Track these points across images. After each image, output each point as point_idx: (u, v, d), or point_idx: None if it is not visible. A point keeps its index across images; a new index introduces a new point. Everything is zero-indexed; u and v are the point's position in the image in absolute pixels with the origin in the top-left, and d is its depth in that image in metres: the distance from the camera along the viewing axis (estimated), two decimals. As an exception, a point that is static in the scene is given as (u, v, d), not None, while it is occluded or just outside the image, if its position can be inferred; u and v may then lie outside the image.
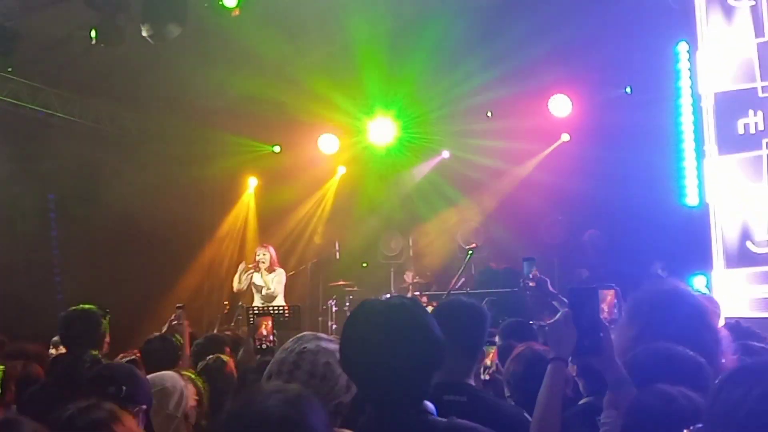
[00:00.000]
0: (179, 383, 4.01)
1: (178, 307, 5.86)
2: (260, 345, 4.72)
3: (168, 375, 4.07)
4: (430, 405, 2.34)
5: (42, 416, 3.35)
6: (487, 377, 4.34)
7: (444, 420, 2.31)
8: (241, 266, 10.65)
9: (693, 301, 3.10)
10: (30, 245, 10.56)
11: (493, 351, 4.62)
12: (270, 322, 5.07)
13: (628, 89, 10.90)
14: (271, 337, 4.28)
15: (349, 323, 2.39)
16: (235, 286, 10.64)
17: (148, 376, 3.86)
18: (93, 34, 9.15)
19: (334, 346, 2.52)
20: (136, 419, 3.18)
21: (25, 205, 10.53)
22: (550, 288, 5.41)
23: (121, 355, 5.67)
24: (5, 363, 4.58)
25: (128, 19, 9.25)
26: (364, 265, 12.73)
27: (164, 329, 6.62)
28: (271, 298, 10.48)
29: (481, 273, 9.86)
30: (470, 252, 9.53)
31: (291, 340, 2.60)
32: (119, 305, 9.75)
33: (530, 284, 5.86)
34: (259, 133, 12.62)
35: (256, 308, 10.16)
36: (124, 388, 3.22)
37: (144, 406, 3.29)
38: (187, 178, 12.19)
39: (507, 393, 3.73)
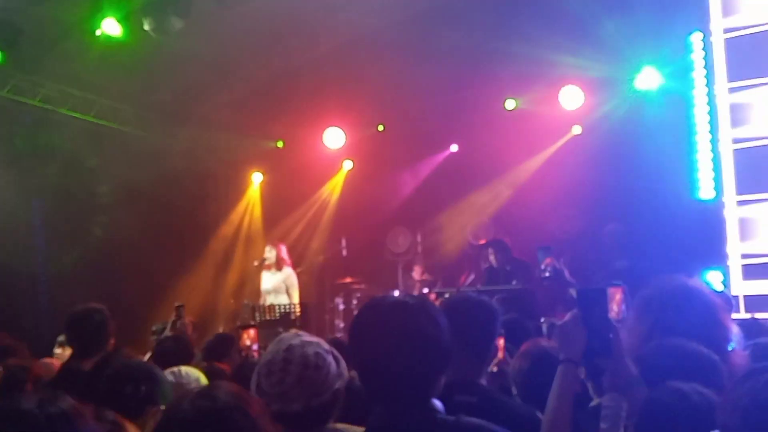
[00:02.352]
0: (201, 378, 4.04)
1: (178, 306, 5.81)
2: (246, 357, 4.71)
3: (191, 371, 4.07)
4: (438, 403, 2.32)
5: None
6: (495, 369, 4.25)
7: (452, 418, 2.30)
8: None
9: (703, 297, 3.08)
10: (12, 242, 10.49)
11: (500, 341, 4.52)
12: (253, 332, 5.10)
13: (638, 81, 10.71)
14: (255, 347, 4.22)
15: (356, 322, 2.40)
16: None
17: (171, 371, 3.86)
18: (95, 28, 9.12)
19: (317, 339, 2.59)
20: (154, 420, 3.08)
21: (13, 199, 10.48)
22: (568, 277, 5.35)
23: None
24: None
25: (130, 12, 9.16)
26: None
27: (167, 330, 6.60)
28: (276, 296, 10.38)
29: (489, 272, 9.72)
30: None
31: (272, 343, 2.62)
32: (122, 303, 9.72)
33: (545, 274, 5.81)
34: (263, 128, 12.50)
35: (262, 307, 10.08)
36: (142, 387, 3.15)
37: (163, 407, 3.17)
38: (191, 174, 12.09)
39: (514, 391, 3.67)
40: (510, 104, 11.73)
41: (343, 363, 2.62)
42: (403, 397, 2.25)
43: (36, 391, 4.50)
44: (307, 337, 2.59)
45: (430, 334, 2.27)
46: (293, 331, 2.73)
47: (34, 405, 1.83)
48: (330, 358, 2.54)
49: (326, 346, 2.59)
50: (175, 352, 4.82)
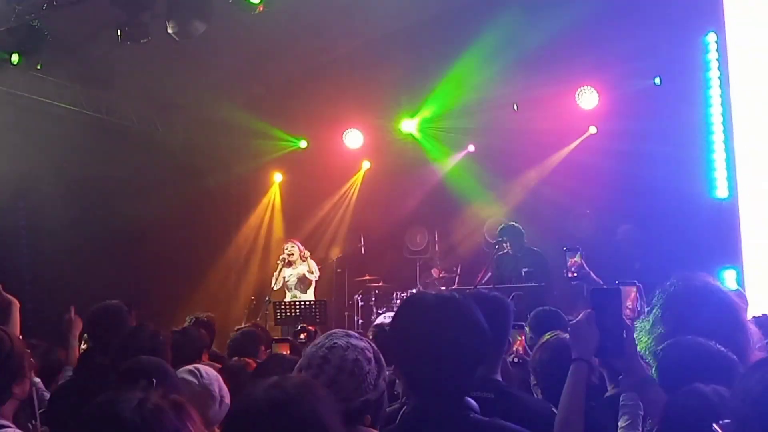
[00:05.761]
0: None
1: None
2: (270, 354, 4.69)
3: (213, 375, 4.06)
4: (473, 402, 2.35)
5: (73, 410, 3.36)
6: (516, 359, 4.33)
7: (486, 419, 2.32)
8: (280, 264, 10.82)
9: (723, 297, 3.06)
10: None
11: (521, 338, 4.62)
12: (288, 350, 5.07)
13: (657, 80, 10.72)
14: None
15: (400, 313, 2.45)
16: (273, 286, 10.79)
17: (189, 369, 3.89)
18: (119, 31, 9.23)
19: (364, 344, 2.57)
20: None
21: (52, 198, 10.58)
22: (595, 278, 5.38)
23: None
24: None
25: (153, 16, 9.30)
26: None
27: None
28: (306, 285, 10.60)
29: (500, 258, 9.77)
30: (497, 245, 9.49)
31: (322, 336, 2.63)
32: (146, 300, 9.90)
33: (571, 275, 5.88)
34: (284, 129, 12.64)
35: (283, 303, 10.24)
36: (153, 381, 3.13)
37: None
38: (212, 174, 12.25)
39: (533, 381, 3.73)
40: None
41: (384, 373, 2.58)
42: (439, 392, 2.28)
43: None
44: (355, 340, 2.55)
45: (471, 328, 2.32)
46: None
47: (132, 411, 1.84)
48: (369, 367, 2.49)
49: (370, 353, 2.54)
50: (182, 347, 4.81)
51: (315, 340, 2.64)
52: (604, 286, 2.76)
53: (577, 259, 6.27)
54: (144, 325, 4.54)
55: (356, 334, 2.62)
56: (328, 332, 2.65)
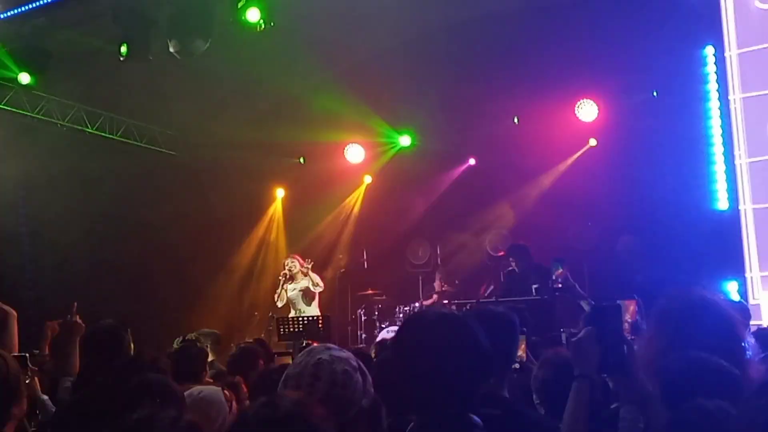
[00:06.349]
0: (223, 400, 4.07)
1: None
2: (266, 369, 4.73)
3: (214, 392, 4.10)
4: (477, 419, 2.34)
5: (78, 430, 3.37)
6: (517, 366, 4.31)
7: None
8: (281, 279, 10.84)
9: (721, 311, 3.03)
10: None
11: (522, 341, 4.58)
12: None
13: (654, 93, 10.77)
14: None
15: (402, 331, 2.46)
16: (277, 303, 10.81)
17: (193, 390, 3.92)
18: (122, 50, 9.30)
19: (346, 354, 2.57)
20: None
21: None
22: (579, 290, 5.38)
23: None
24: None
25: (155, 35, 9.37)
26: None
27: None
28: (311, 297, 10.61)
29: (509, 275, 9.80)
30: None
31: (301, 354, 2.63)
32: (148, 317, 9.90)
33: (557, 285, 5.92)
34: (285, 145, 12.69)
35: (286, 319, 10.24)
36: (158, 400, 3.16)
37: None
38: (214, 190, 12.28)
39: (537, 400, 3.70)
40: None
41: (369, 379, 2.59)
42: (442, 410, 2.29)
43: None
44: (337, 352, 2.56)
45: (472, 346, 2.32)
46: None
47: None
48: (357, 376, 2.51)
49: (354, 362, 2.56)
50: (182, 365, 4.73)
51: (295, 360, 2.63)
52: (605, 303, 2.73)
53: (561, 270, 6.32)
54: (143, 352, 4.53)
55: (335, 346, 2.63)
56: (306, 349, 2.64)
